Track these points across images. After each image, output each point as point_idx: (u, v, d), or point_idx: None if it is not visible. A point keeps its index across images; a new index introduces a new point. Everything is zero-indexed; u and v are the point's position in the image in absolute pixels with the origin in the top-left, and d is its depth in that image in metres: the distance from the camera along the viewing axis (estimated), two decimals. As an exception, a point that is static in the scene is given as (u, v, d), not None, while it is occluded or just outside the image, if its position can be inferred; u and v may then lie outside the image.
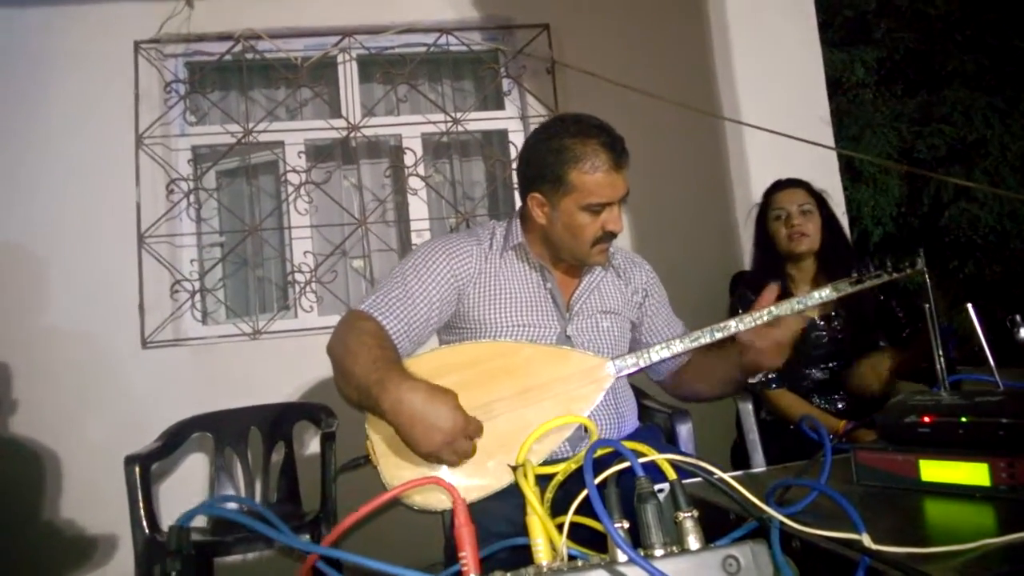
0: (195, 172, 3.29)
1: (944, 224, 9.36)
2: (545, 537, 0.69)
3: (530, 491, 0.70)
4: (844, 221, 3.37)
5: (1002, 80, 9.35)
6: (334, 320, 3.12)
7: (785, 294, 2.23)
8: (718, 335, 1.59)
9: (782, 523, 0.68)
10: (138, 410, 2.92)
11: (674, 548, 0.65)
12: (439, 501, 1.37)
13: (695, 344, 1.60)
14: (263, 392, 2.99)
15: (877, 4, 9.44)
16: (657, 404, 2.08)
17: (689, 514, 0.66)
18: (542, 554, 0.68)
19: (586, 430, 1.50)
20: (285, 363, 3.08)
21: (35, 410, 2.91)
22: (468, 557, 0.63)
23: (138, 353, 3.02)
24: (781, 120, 3.04)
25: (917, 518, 0.82)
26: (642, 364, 1.61)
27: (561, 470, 0.82)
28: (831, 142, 3.42)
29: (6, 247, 3.01)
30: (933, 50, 9.64)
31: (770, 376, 2.29)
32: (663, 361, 1.67)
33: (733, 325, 1.58)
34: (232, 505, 0.70)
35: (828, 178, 3.38)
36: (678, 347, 1.60)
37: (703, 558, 0.62)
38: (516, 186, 1.77)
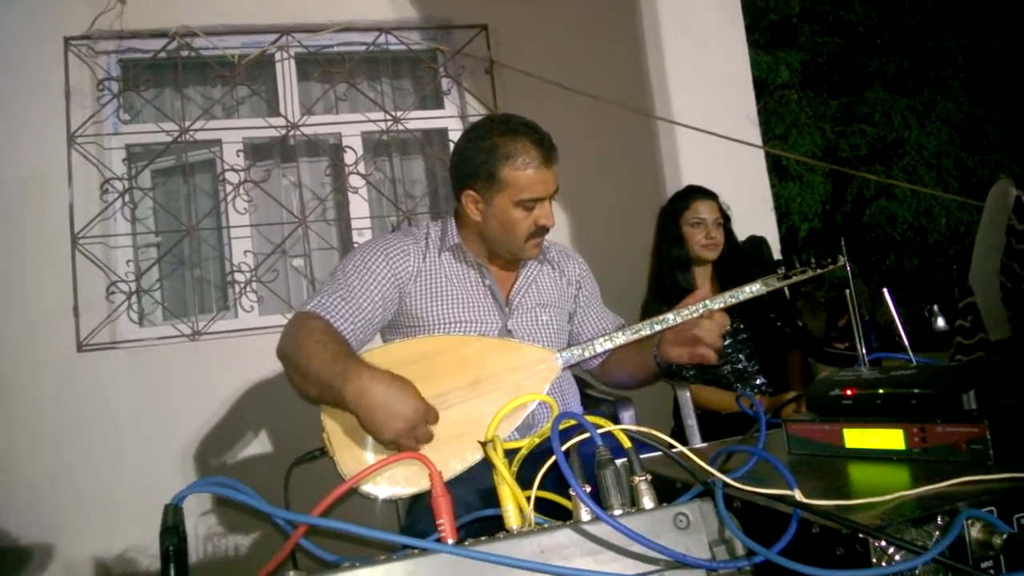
0: (130, 171, 3.23)
1: (867, 221, 9.82)
2: (515, 504, 0.75)
3: (500, 462, 0.76)
4: (772, 218, 3.53)
5: (919, 83, 9.84)
6: (275, 320, 3.16)
7: (688, 292, 2.45)
8: (658, 327, 1.65)
9: (725, 483, 0.76)
10: (75, 415, 2.87)
11: (631, 509, 0.72)
12: (395, 490, 1.41)
13: (636, 336, 1.67)
14: (203, 394, 2.97)
15: (801, 9, 9.82)
16: (600, 393, 2.16)
17: (643, 478, 0.73)
18: (512, 519, 0.74)
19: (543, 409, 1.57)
20: (226, 364, 3.05)
21: (-33, 419, 2.82)
22: (445, 524, 0.69)
23: (74, 357, 2.95)
24: (711, 119, 3.16)
25: (842, 478, 0.91)
26: (587, 355, 1.68)
27: (526, 444, 0.88)
28: (759, 141, 3.58)
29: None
30: (855, 53, 10.08)
31: (688, 372, 2.47)
32: (606, 352, 1.75)
33: (671, 317, 1.64)
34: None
35: (756, 175, 3.53)
36: (620, 339, 1.67)
37: (657, 515, 0.69)
38: (451, 184, 1.81)
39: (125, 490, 2.86)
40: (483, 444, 0.81)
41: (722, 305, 1.63)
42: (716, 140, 3.03)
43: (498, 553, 0.62)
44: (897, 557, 0.64)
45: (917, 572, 0.65)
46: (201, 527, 2.84)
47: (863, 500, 0.73)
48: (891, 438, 0.91)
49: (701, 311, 1.62)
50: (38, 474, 2.82)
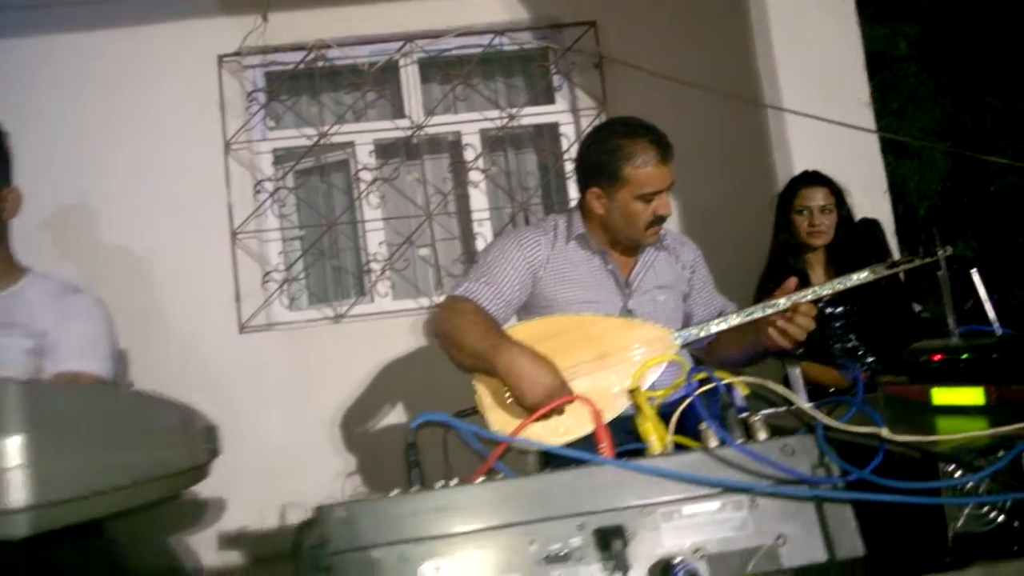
0: (276, 173, 3.59)
1: (991, 197, 9.29)
2: (657, 435, 0.96)
3: (644, 403, 0.97)
4: (886, 200, 3.52)
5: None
6: (407, 304, 3.47)
7: (801, 275, 2.54)
8: (769, 311, 1.81)
9: (825, 424, 0.94)
10: (239, 387, 3.26)
11: (747, 440, 0.91)
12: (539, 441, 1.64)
13: (749, 318, 1.83)
14: (345, 369, 3.31)
15: (920, -23, 9.35)
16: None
17: (758, 417, 0.92)
18: (655, 447, 0.95)
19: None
20: (364, 343, 3.39)
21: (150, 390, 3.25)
22: (606, 446, 0.91)
23: (236, 337, 3.37)
24: (822, 105, 3.18)
25: (927, 425, 1.08)
26: (703, 335, 1.87)
27: (662, 393, 1.09)
28: (871, 124, 3.56)
29: (120, 250, 3.37)
30: (979, 21, 9.53)
31: (798, 351, 2.58)
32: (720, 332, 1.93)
33: (783, 302, 1.79)
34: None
35: (869, 158, 3.53)
36: (735, 320, 1.85)
37: (768, 444, 0.88)
38: (576, 182, 2.03)
39: (280, 453, 3.23)
40: (631, 391, 1.02)
41: (831, 292, 1.79)
42: (826, 125, 3.07)
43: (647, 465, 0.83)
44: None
45: (981, 491, 0.82)
46: (348, 487, 3.18)
47: (940, 437, 0.90)
48: (972, 395, 1.08)
49: (810, 296, 1.78)
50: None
